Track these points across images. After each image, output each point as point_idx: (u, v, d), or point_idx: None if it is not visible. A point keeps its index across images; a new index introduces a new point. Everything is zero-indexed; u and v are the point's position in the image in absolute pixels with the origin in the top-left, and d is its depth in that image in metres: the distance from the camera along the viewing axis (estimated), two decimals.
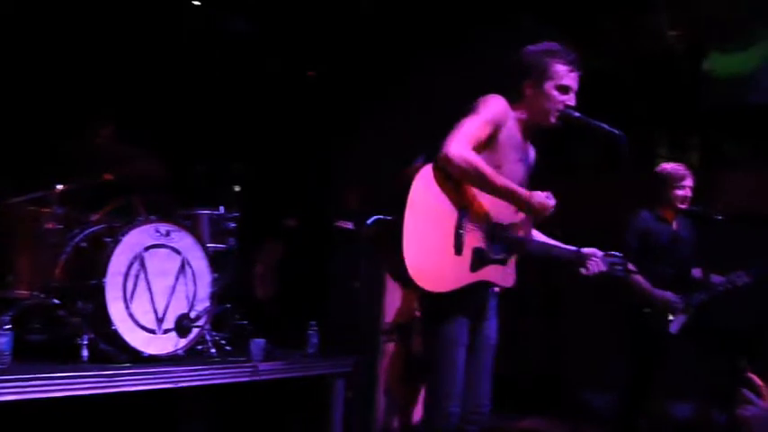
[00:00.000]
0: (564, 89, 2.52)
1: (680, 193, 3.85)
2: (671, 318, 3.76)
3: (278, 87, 6.24)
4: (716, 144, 5.56)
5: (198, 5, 5.53)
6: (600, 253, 2.67)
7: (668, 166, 3.93)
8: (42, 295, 3.51)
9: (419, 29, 5.87)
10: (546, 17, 5.72)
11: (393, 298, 4.55)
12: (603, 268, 2.65)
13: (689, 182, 3.86)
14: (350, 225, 5.18)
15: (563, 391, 4.68)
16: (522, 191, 2.41)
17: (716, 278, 3.92)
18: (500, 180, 2.37)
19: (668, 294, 3.75)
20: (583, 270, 2.65)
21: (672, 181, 3.85)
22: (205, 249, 3.97)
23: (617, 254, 2.75)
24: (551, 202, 2.41)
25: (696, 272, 3.99)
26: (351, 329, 4.71)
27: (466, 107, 2.45)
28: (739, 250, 4.09)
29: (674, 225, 3.93)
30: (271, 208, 5.83)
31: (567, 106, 2.54)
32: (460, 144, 2.33)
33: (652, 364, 3.83)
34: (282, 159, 6.20)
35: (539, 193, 2.40)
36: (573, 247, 2.69)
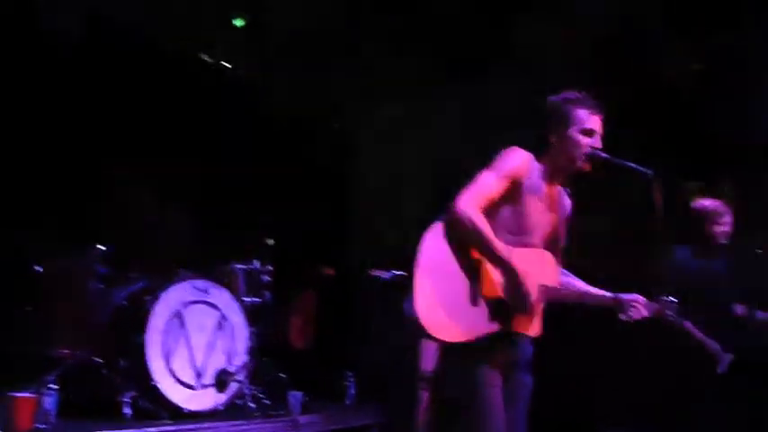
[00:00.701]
0: (588, 132, 2.54)
1: (720, 229, 3.76)
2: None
3: (304, 136, 6.32)
4: (753, 176, 5.50)
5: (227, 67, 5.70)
6: (641, 298, 2.62)
7: (706, 203, 3.83)
8: (85, 354, 3.57)
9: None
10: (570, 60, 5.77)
11: (429, 346, 4.53)
12: (646, 314, 2.60)
13: (728, 218, 3.77)
14: (385, 274, 5.20)
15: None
16: (517, 274, 2.36)
17: (762, 315, 3.79)
18: (498, 251, 2.36)
19: (714, 344, 3.62)
20: (623, 317, 2.60)
21: (711, 218, 3.75)
22: (242, 304, 4.03)
23: (670, 298, 2.68)
24: (530, 305, 2.38)
25: (740, 309, 3.83)
26: (389, 379, 4.69)
27: (488, 160, 2.49)
28: None
29: (714, 263, 3.83)
30: (305, 259, 5.87)
31: (594, 148, 2.55)
32: (469, 200, 2.36)
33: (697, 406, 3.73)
34: (312, 210, 6.26)
35: (527, 287, 2.38)
36: (609, 294, 2.66)
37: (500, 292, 2.43)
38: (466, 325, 2.36)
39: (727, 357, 3.65)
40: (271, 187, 5.82)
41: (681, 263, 3.78)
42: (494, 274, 2.44)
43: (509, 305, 2.44)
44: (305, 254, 5.91)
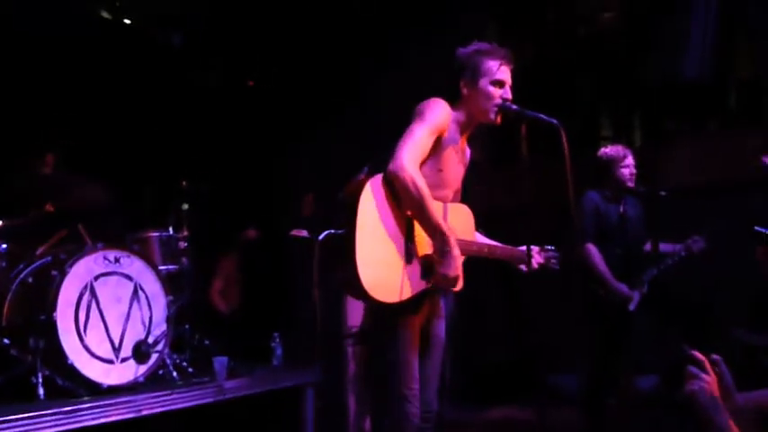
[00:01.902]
0: (499, 83, 2.56)
1: (626, 171, 3.95)
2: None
3: (220, 99, 6.16)
4: (656, 120, 5.70)
5: (130, 24, 5.41)
6: (536, 248, 2.73)
7: (609, 149, 4.01)
8: None
9: (366, 31, 5.87)
10: (484, 12, 5.80)
11: (354, 302, 4.54)
12: (542, 262, 2.72)
13: (630, 160, 3.95)
14: (305, 233, 5.15)
15: (530, 378, 4.74)
16: (451, 240, 2.37)
17: (666, 247, 4.01)
18: (435, 217, 2.36)
19: (622, 287, 3.83)
20: (522, 267, 2.71)
21: (615, 162, 3.94)
22: (157, 272, 3.90)
23: (551, 247, 2.81)
24: (457, 272, 2.38)
25: (647, 246, 4.07)
26: (314, 338, 4.69)
27: (410, 111, 2.46)
28: (685, 223, 4.19)
29: (622, 205, 4.01)
30: (223, 223, 5.76)
31: (505, 99, 2.56)
32: (411, 159, 2.34)
33: (614, 343, 3.90)
34: (231, 172, 6.12)
35: (458, 254, 2.38)
36: (508, 246, 2.75)
37: (431, 251, 2.44)
38: (402, 284, 2.38)
39: (636, 295, 3.86)
40: (188, 150, 5.67)
41: (592, 204, 3.94)
42: (426, 234, 2.44)
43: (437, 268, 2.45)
44: (224, 217, 5.80)
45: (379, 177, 2.38)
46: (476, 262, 2.65)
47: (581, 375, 4.19)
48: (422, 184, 2.34)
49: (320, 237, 4.18)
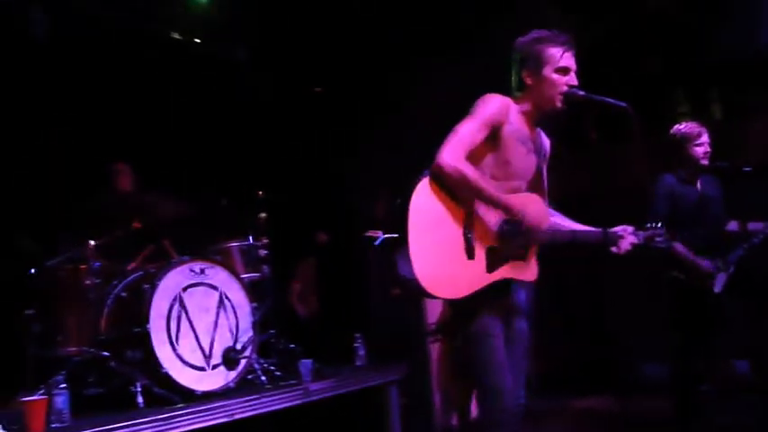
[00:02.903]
0: (563, 70, 2.51)
1: (700, 150, 3.80)
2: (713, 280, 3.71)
3: (290, 108, 6.29)
4: (736, 94, 5.46)
5: (198, 42, 5.61)
6: (630, 228, 2.63)
7: (682, 126, 3.85)
8: (91, 350, 3.59)
9: (423, 35, 5.86)
10: None
11: (435, 300, 4.56)
12: (637, 242, 2.62)
13: (706, 137, 3.80)
14: (380, 234, 5.20)
15: (614, 367, 4.64)
16: (515, 204, 2.38)
17: (754, 225, 3.86)
18: (491, 192, 2.37)
19: (705, 263, 3.71)
20: (614, 249, 2.61)
21: (689, 140, 3.79)
22: (240, 281, 4.03)
23: (655, 225, 2.69)
24: (538, 232, 2.37)
25: (733, 225, 3.92)
26: (396, 336, 4.74)
27: (467, 109, 2.46)
28: None
29: (699, 185, 3.88)
30: (299, 228, 5.88)
31: (571, 86, 2.52)
32: (453, 153, 2.34)
33: (701, 329, 3.77)
34: (304, 178, 6.25)
35: (532, 208, 2.38)
36: (597, 229, 2.66)
37: (495, 241, 2.44)
38: (464, 279, 2.37)
39: (722, 277, 3.72)
40: (262, 160, 5.83)
41: (667, 188, 3.81)
42: (488, 224, 2.44)
43: (505, 253, 2.44)
44: (301, 223, 5.93)
45: (427, 178, 2.38)
46: (556, 249, 2.60)
47: (671, 363, 4.07)
48: (466, 168, 2.33)
49: (376, 243, 4.23)
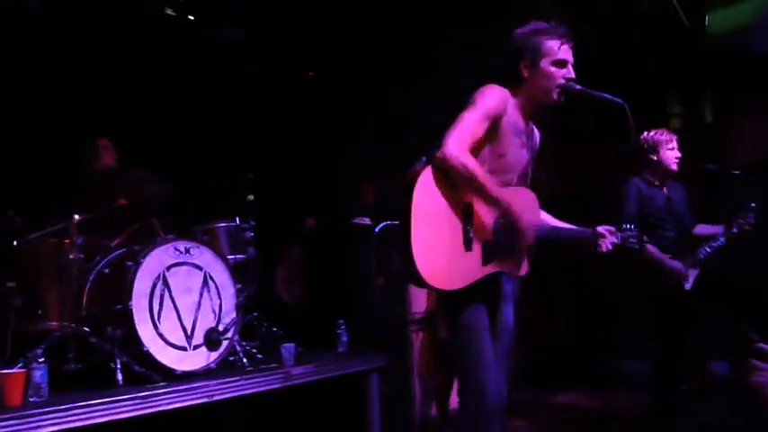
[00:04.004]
0: (560, 63, 2.50)
1: (670, 155, 3.95)
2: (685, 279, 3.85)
3: (279, 91, 6.25)
4: (725, 96, 5.49)
5: (192, 20, 5.54)
6: (611, 228, 2.66)
7: (653, 133, 3.99)
8: (72, 325, 3.55)
9: (420, 22, 5.83)
10: None
11: (417, 289, 4.55)
12: (617, 242, 2.65)
13: (675, 144, 3.97)
14: (367, 221, 5.19)
15: (597, 364, 4.67)
16: (513, 205, 2.38)
17: (718, 228, 3.97)
18: (492, 190, 2.37)
19: (675, 263, 3.85)
20: (595, 248, 2.64)
21: (660, 145, 3.95)
22: (225, 262, 4.01)
23: (630, 226, 2.74)
24: (531, 234, 2.38)
25: (701, 228, 4.04)
26: (379, 324, 4.73)
27: (466, 99, 2.44)
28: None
29: (665, 189, 4.02)
30: (287, 212, 5.86)
31: (568, 79, 2.51)
32: (459, 144, 2.33)
33: (679, 328, 3.86)
34: (293, 162, 6.22)
35: (524, 204, 2.38)
36: (582, 228, 2.69)
37: (492, 236, 2.44)
38: (461, 271, 2.38)
39: (692, 274, 3.85)
40: (252, 142, 5.79)
41: (636, 190, 3.95)
42: (485, 218, 2.44)
43: (500, 247, 2.44)
44: (288, 207, 5.91)
45: (430, 168, 2.38)
46: (541, 246, 2.61)
47: (651, 361, 4.11)
48: (471, 163, 2.33)
49: (377, 228, 4.21)
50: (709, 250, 3.87)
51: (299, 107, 6.37)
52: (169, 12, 5.29)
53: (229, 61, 5.85)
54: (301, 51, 6.19)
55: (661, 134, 3.96)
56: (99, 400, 3.06)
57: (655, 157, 3.95)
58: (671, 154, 3.94)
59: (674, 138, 3.97)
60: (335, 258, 5.46)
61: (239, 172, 4.70)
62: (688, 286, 3.82)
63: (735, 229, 3.85)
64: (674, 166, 3.94)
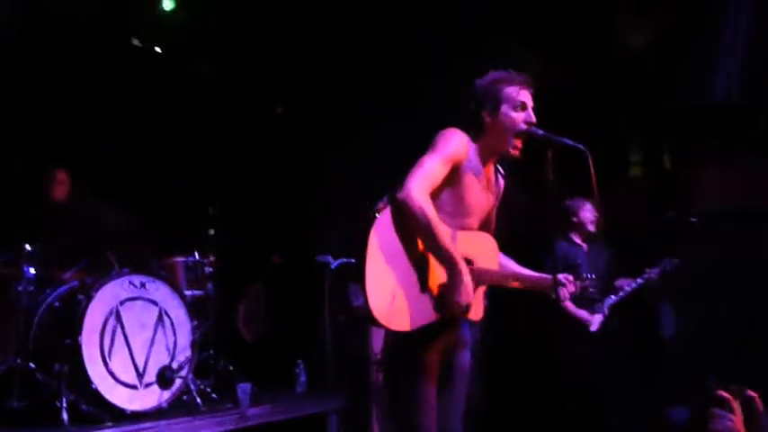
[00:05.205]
0: (521, 107, 2.53)
1: (587, 217, 4.47)
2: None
3: (247, 126, 6.22)
4: (686, 145, 5.61)
5: (159, 52, 5.52)
6: (570, 277, 2.66)
7: (572, 201, 4.51)
8: (18, 360, 3.42)
9: (386, 65, 5.89)
10: (507, 37, 5.77)
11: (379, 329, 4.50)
12: (576, 290, 2.65)
13: (590, 207, 4.49)
14: (330, 259, 5.14)
15: (558, 410, 4.64)
16: (461, 267, 2.33)
17: (626, 281, 4.39)
18: (445, 243, 2.33)
19: (584, 313, 4.32)
20: (556, 295, 2.62)
21: (578, 209, 4.49)
22: (182, 297, 3.92)
23: (590, 276, 2.74)
24: (468, 299, 2.35)
25: (621, 281, 4.41)
26: (341, 364, 4.66)
27: (427, 142, 2.46)
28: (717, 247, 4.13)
29: (585, 247, 4.53)
30: (250, 248, 5.78)
31: (529, 123, 2.53)
32: (419, 187, 2.32)
33: (585, 369, 4.26)
34: (259, 197, 6.16)
35: (469, 281, 2.35)
36: (543, 275, 2.69)
37: (445, 280, 2.41)
38: (413, 313, 2.33)
39: (597, 318, 4.33)
40: (215, 176, 5.72)
41: (560, 250, 4.44)
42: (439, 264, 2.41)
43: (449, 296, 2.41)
44: (252, 243, 5.83)
45: (389, 207, 2.36)
46: (506, 293, 2.60)
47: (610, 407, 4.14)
48: (429, 211, 2.32)
49: (333, 266, 4.20)
50: (614, 299, 4.32)
51: (267, 142, 6.33)
52: (135, 42, 5.26)
53: (195, 93, 5.80)
54: (271, 86, 6.19)
55: (578, 200, 4.49)
56: None
57: (575, 219, 4.48)
58: (587, 216, 4.44)
59: (589, 202, 4.48)
60: (298, 296, 5.39)
61: (201, 205, 4.64)
62: (593, 328, 4.27)
63: (641, 280, 4.28)
64: (592, 228, 4.46)
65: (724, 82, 4.99)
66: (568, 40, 5.88)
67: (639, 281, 4.28)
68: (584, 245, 4.54)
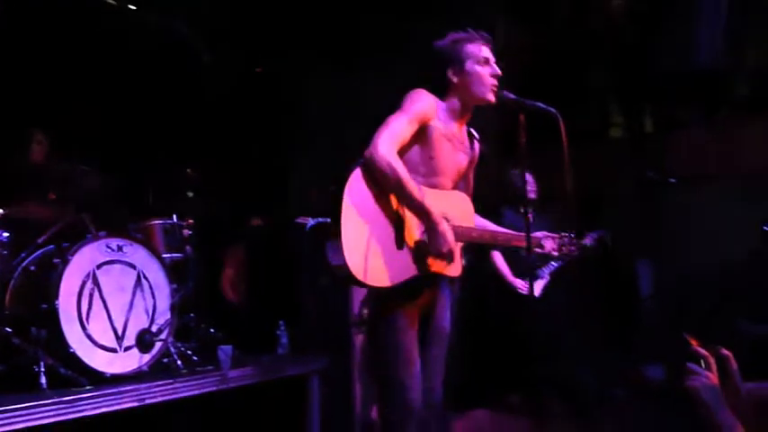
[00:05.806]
0: (485, 61, 2.59)
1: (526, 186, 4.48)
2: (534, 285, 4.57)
3: (227, 86, 6.12)
4: (667, 108, 5.62)
5: (134, 9, 5.37)
6: (542, 234, 2.71)
7: (514, 171, 4.61)
8: None
9: (367, 24, 5.79)
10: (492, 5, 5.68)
11: (361, 289, 4.51)
12: (552, 248, 2.69)
13: (530, 178, 4.57)
14: (311, 221, 5.12)
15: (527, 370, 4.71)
16: (435, 216, 2.39)
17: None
18: (415, 195, 2.38)
19: (518, 281, 4.58)
20: (538, 250, 2.68)
21: (516, 180, 4.47)
22: (161, 260, 3.88)
23: (567, 233, 2.76)
24: (448, 247, 2.38)
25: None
26: (322, 325, 4.68)
27: (395, 103, 2.47)
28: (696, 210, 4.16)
29: (531, 216, 4.56)
30: (231, 211, 5.74)
31: (495, 76, 2.59)
32: (386, 145, 2.38)
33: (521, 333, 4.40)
34: (238, 160, 6.10)
35: (446, 229, 2.36)
36: (514, 232, 2.73)
37: (421, 236, 2.44)
38: (391, 269, 2.38)
39: (542, 283, 4.60)
40: (194, 137, 5.64)
41: (506, 220, 4.46)
42: (415, 218, 2.44)
43: (430, 247, 2.44)
44: (232, 206, 5.79)
45: (360, 167, 2.40)
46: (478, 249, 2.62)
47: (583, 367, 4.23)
48: (398, 166, 2.36)
49: (308, 226, 4.20)
50: (555, 265, 4.61)
51: (245, 103, 6.24)
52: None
53: (173, 53, 5.68)
54: (249, 45, 6.07)
55: (516, 171, 4.51)
56: (21, 405, 2.93)
57: (517, 189, 4.49)
58: (526, 186, 4.50)
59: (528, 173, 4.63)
60: (278, 258, 5.38)
61: (179, 167, 4.57)
62: (537, 293, 4.53)
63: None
64: (533, 195, 4.60)
65: (706, 45, 4.97)
66: (547, 7, 5.82)
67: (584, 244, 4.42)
68: (531, 214, 4.58)
